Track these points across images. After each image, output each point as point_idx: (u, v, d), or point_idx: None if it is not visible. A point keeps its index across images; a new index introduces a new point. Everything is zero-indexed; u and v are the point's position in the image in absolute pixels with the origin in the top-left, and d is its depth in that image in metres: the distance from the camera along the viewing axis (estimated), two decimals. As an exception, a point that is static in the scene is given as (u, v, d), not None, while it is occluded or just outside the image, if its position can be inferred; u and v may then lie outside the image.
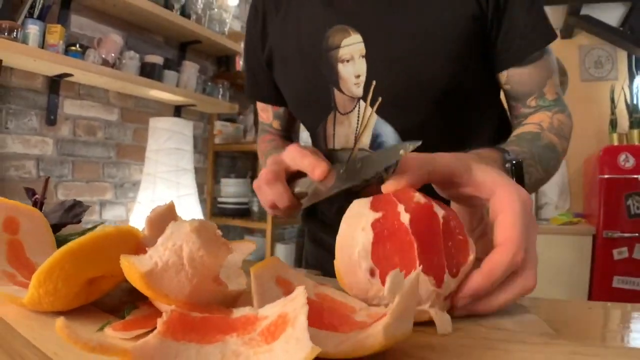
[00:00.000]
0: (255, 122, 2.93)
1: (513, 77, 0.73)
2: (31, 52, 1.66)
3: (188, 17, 2.38)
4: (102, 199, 2.11)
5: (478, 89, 0.76)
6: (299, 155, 0.53)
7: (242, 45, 2.70)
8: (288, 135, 1.01)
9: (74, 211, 0.62)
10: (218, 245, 0.33)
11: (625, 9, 3.35)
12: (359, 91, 0.73)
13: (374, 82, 0.71)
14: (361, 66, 0.72)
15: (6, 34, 1.59)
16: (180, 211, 1.30)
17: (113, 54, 2.01)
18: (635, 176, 2.86)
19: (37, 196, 0.66)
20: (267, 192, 0.56)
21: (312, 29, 0.76)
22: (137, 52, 2.14)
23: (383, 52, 0.70)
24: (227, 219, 2.73)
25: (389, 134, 0.73)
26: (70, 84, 1.96)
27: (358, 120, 0.74)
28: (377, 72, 0.71)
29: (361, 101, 0.73)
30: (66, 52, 1.80)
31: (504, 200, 0.40)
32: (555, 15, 3.54)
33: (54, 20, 1.87)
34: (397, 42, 0.70)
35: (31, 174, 1.83)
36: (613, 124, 3.34)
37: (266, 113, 0.98)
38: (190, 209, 2.15)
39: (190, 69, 2.41)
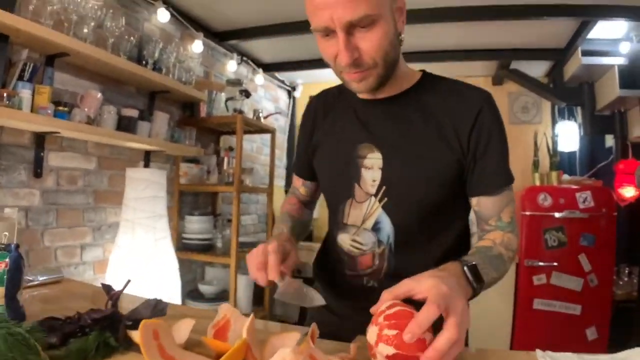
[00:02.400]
0: (218, 163, 3.17)
1: (481, 203, 1.04)
2: (26, 118, 1.84)
3: (160, 70, 2.60)
4: (82, 242, 2.29)
5: (452, 206, 1.07)
6: (251, 265, 0.94)
7: (206, 93, 2.96)
8: (311, 200, 1.35)
9: (159, 307, 0.86)
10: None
11: (550, 63, 3.83)
12: (373, 190, 1.05)
13: (384, 187, 1.04)
14: (378, 174, 1.05)
15: (4, 101, 1.77)
16: (157, 253, 1.63)
17: (94, 110, 2.20)
18: (552, 213, 3.32)
19: (114, 292, 0.90)
20: (259, 260, 0.93)
21: (348, 141, 1.09)
22: (112, 103, 2.34)
23: (394, 169, 1.03)
24: (192, 253, 2.94)
25: (385, 222, 1.05)
26: (55, 138, 2.14)
27: (367, 209, 1.07)
28: (387, 181, 1.03)
29: (372, 197, 1.06)
30: (55, 112, 1.98)
31: (429, 288, 0.72)
32: (487, 66, 4.00)
33: (40, 78, 2.05)
34: (405, 166, 1.02)
35: (21, 224, 1.99)
36: (536, 165, 3.80)
37: (299, 181, 1.33)
38: (166, 250, 2.36)
39: (161, 119, 2.63)
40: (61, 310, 1.12)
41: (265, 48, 3.72)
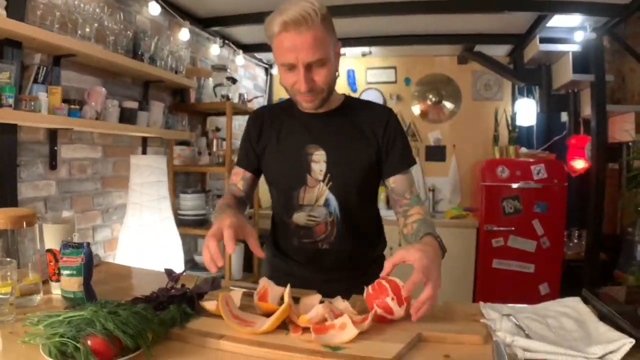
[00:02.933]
0: (207, 145, 3.41)
1: (396, 180, 1.45)
2: (46, 120, 2.06)
3: (154, 62, 2.80)
4: (93, 224, 2.54)
5: (375, 184, 1.52)
6: (205, 249, 1.14)
7: (195, 79, 3.16)
8: (245, 197, 1.58)
9: (215, 282, 1.15)
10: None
11: (511, 46, 4.14)
12: (321, 177, 1.43)
13: (329, 175, 1.42)
14: (324, 166, 1.42)
15: (27, 106, 1.98)
16: (163, 231, 1.95)
17: (100, 105, 2.41)
18: (509, 184, 3.70)
19: (175, 274, 1.18)
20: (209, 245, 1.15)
21: (298, 142, 1.45)
22: (112, 94, 2.56)
23: (335, 161, 1.42)
24: (188, 228, 3.21)
25: (332, 199, 1.44)
26: (65, 132, 2.35)
27: (318, 191, 1.44)
28: (331, 170, 1.42)
29: (321, 182, 1.43)
30: (69, 111, 2.19)
31: (416, 259, 1.07)
32: (453, 48, 4.28)
33: (49, 78, 2.23)
34: (342, 158, 1.42)
35: (41, 212, 2.21)
36: (496, 139, 4.15)
37: (236, 176, 1.58)
38: (170, 228, 2.63)
39: (157, 108, 2.84)
40: (116, 290, 1.40)
41: (245, 31, 3.91)
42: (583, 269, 3.66)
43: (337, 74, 1.37)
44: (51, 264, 1.35)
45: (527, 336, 1.00)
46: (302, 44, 1.21)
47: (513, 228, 3.75)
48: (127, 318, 0.92)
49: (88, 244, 1.28)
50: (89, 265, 1.27)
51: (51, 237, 1.38)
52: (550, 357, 0.91)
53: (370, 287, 1.12)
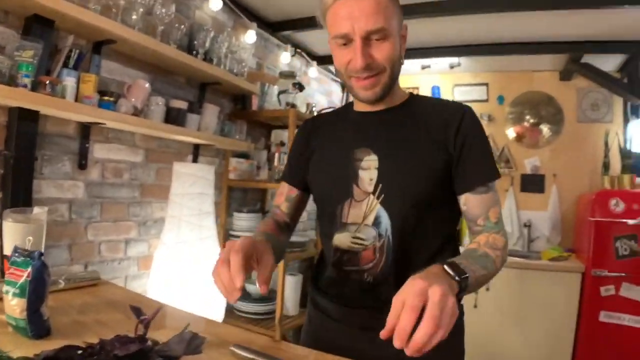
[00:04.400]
0: (268, 159, 3.06)
1: (468, 201, 1.11)
2: (69, 107, 1.76)
3: (210, 61, 2.50)
4: (127, 237, 2.21)
5: (442, 202, 1.13)
6: (215, 277, 0.90)
7: (258, 85, 2.83)
8: (291, 219, 1.36)
9: (194, 343, 0.72)
10: None
11: (624, 57, 3.49)
12: (370, 189, 1.12)
13: (380, 185, 1.11)
14: (374, 173, 1.12)
15: (47, 89, 1.69)
16: (202, 253, 1.50)
17: (141, 100, 2.11)
18: (624, 220, 3.03)
19: (146, 317, 0.76)
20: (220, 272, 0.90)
21: (345, 146, 1.19)
22: (161, 93, 2.26)
23: (389, 169, 1.11)
24: (240, 252, 2.81)
25: (384, 217, 1.11)
26: (101, 129, 2.06)
27: (367, 206, 1.13)
28: (383, 179, 1.11)
29: (370, 195, 1.12)
30: (100, 102, 1.90)
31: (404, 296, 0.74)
32: (557, 60, 3.69)
33: (86, 66, 1.97)
34: (399, 164, 1.11)
35: (64, 216, 1.92)
36: (606, 167, 3.51)
37: (281, 197, 1.36)
38: (212, 249, 2.25)
39: (211, 111, 2.52)
40: (92, 324, 1.01)
41: (320, 40, 3.55)
42: None
43: (401, 61, 1.13)
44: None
45: None
46: (361, 11, 1.01)
47: (628, 274, 3.04)
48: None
49: (41, 253, 0.91)
50: (39, 285, 0.90)
51: (11, 240, 1.04)
52: None
53: None
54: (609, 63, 3.65)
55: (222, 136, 2.64)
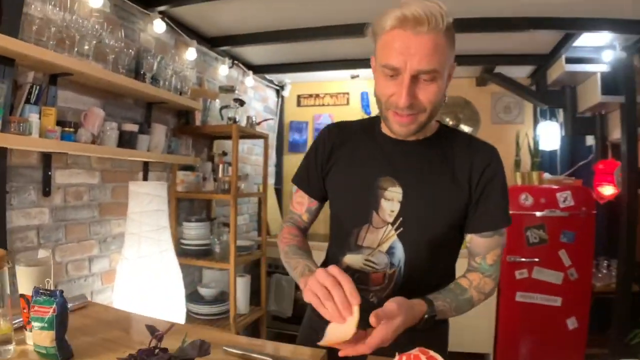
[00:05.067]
0: (213, 170, 3.25)
1: (473, 240, 1.20)
2: (38, 144, 1.91)
3: (157, 82, 2.66)
4: (90, 255, 2.36)
5: (454, 241, 1.24)
6: (327, 302, 0.95)
7: (201, 101, 3.01)
8: (308, 228, 1.42)
9: (204, 347, 0.96)
10: None
11: (534, 67, 3.96)
12: (390, 219, 1.18)
13: (401, 219, 1.17)
14: (397, 206, 1.17)
15: (14, 129, 1.82)
16: (162, 265, 1.74)
17: (97, 127, 2.25)
18: (533, 212, 3.49)
19: (159, 332, 0.99)
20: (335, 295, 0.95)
21: (371, 172, 1.22)
22: (112, 116, 2.41)
23: (412, 205, 1.16)
24: (191, 259, 3.02)
25: (399, 248, 1.19)
26: (60, 156, 2.19)
27: (383, 234, 1.19)
28: (405, 214, 1.17)
29: (389, 225, 1.18)
30: (62, 134, 2.03)
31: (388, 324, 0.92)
32: (471, 70, 4.11)
33: (44, 98, 2.09)
34: (423, 204, 1.16)
35: (33, 242, 2.05)
36: (517, 164, 3.94)
37: (301, 206, 1.39)
38: (170, 261, 2.45)
39: (159, 130, 2.68)
40: (101, 343, 1.21)
41: (255, 51, 3.78)
42: (614, 301, 3.40)
43: (445, 100, 1.13)
44: (25, 311, 1.17)
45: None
46: (418, 48, 0.99)
47: (538, 259, 3.51)
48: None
49: (61, 292, 1.11)
50: (63, 317, 1.09)
51: (24, 281, 1.21)
52: None
53: (404, 356, 0.91)
54: (520, 71, 4.10)
55: (169, 153, 2.82)
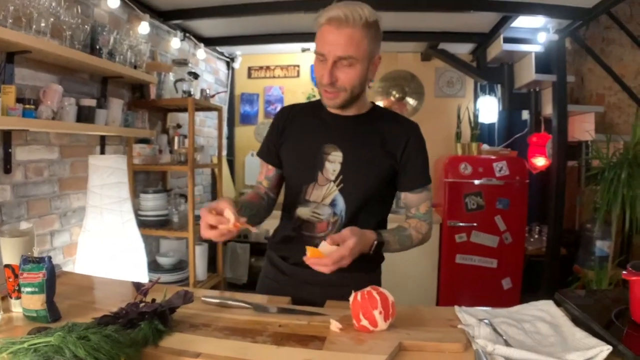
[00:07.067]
0: (168, 142, 3.32)
1: (407, 197, 1.53)
2: (1, 122, 1.94)
3: (113, 57, 2.69)
4: (51, 229, 2.43)
5: (385, 194, 1.54)
6: (203, 218, 1.20)
7: (155, 74, 3.06)
8: (272, 192, 1.64)
9: (188, 296, 1.11)
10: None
11: (474, 44, 4.20)
12: (332, 177, 1.46)
13: (341, 176, 1.45)
14: (338, 167, 1.45)
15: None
16: (125, 235, 1.90)
17: (56, 103, 2.29)
18: (472, 180, 3.77)
19: (144, 287, 1.13)
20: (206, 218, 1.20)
21: (316, 139, 1.49)
22: (68, 91, 2.44)
23: (351, 165, 1.44)
24: (150, 229, 3.11)
25: (340, 201, 1.46)
26: (20, 133, 2.23)
27: (326, 190, 1.46)
28: (344, 172, 1.45)
29: (331, 182, 1.46)
30: (23, 112, 2.07)
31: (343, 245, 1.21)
32: (417, 45, 4.31)
33: (2, 77, 2.11)
34: (358, 163, 1.44)
35: (-3, 219, 2.11)
36: (458, 136, 4.21)
37: (261, 175, 1.64)
38: (133, 231, 2.55)
39: (116, 105, 2.74)
40: (81, 306, 1.34)
41: (207, 24, 3.82)
42: (544, 263, 3.76)
43: (369, 84, 1.44)
44: (10, 280, 1.28)
45: (506, 342, 1.01)
46: (338, 39, 1.29)
47: (476, 224, 3.82)
48: (99, 343, 0.88)
49: (50, 257, 1.22)
50: (52, 281, 1.21)
51: (8, 251, 1.31)
52: (531, 365, 0.92)
53: (359, 293, 1.11)
54: (463, 48, 4.34)
55: (126, 126, 2.88)
